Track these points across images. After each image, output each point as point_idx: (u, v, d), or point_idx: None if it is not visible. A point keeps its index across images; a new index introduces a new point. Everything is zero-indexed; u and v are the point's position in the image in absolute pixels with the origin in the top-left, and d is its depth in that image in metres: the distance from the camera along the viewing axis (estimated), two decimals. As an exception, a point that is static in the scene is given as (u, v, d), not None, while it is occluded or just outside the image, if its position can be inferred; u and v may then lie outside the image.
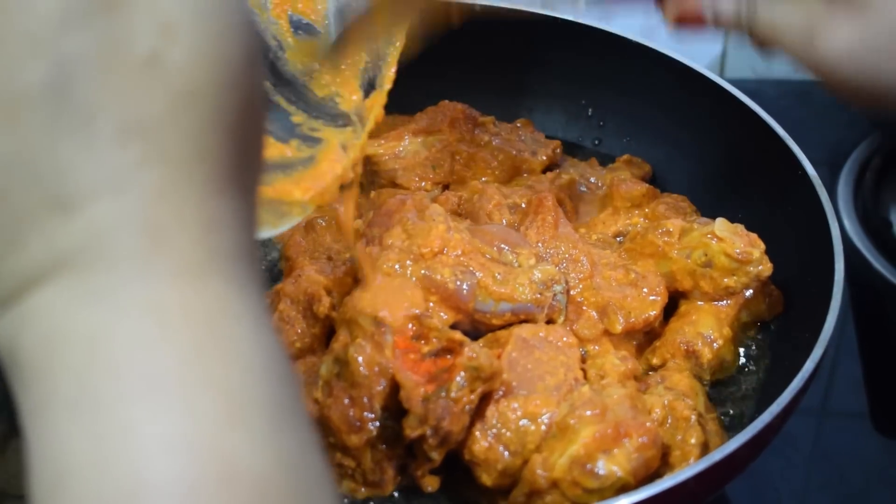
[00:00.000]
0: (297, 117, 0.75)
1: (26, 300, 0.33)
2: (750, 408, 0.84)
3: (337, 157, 0.73)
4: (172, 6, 0.32)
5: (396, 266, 0.80)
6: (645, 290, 0.85)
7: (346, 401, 0.75)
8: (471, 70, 1.10)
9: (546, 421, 0.73)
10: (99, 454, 0.31)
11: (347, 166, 0.73)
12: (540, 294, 0.81)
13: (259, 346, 0.35)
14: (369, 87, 0.78)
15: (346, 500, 0.78)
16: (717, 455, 0.68)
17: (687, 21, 0.76)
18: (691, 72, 1.02)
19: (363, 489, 0.78)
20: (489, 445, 0.74)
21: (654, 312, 0.84)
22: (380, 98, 0.77)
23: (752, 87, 1.00)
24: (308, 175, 0.71)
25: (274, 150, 0.70)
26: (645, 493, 0.65)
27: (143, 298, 0.32)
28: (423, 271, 0.80)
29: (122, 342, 0.32)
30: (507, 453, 0.74)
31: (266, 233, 0.72)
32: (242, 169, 0.35)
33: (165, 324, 0.33)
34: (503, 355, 0.76)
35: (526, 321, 0.81)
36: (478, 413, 0.75)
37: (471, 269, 0.81)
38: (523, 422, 0.74)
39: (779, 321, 0.89)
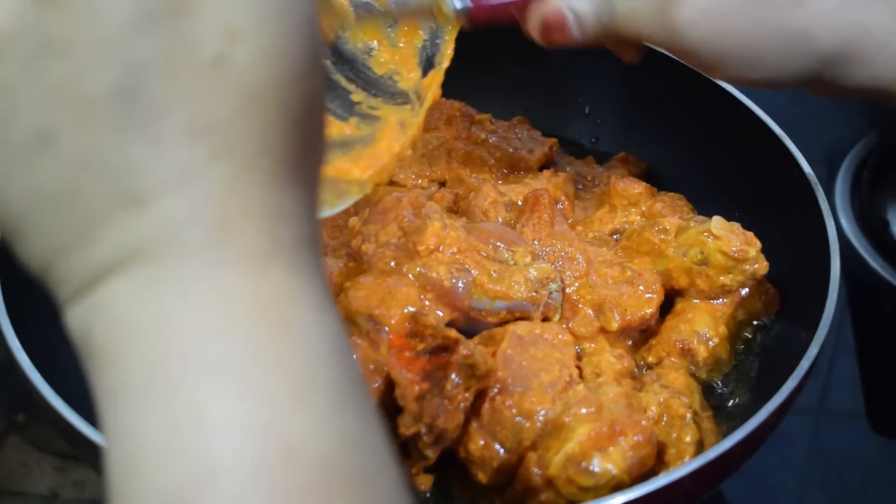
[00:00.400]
0: (357, 95, 0.75)
1: (99, 290, 0.34)
2: (745, 406, 0.84)
3: (395, 135, 0.73)
4: (237, 9, 0.34)
5: (392, 263, 0.80)
6: (641, 287, 0.85)
7: None
8: (467, 67, 1.10)
9: (541, 418, 0.73)
10: (169, 436, 0.33)
11: (406, 144, 0.73)
12: (535, 292, 0.81)
13: (321, 331, 0.36)
14: (427, 65, 0.79)
15: None
16: (711, 453, 0.68)
17: (552, 31, 0.75)
18: (688, 70, 1.02)
19: None
20: (485, 443, 0.74)
21: (650, 310, 0.84)
22: (438, 76, 0.78)
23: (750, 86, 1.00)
24: (367, 153, 0.72)
25: (334, 128, 0.71)
26: (640, 490, 0.65)
27: (210, 287, 0.34)
28: (418, 269, 0.80)
29: (189, 328, 0.34)
30: (502, 451, 0.73)
31: (326, 212, 0.73)
32: (305, 161, 0.37)
33: (231, 310, 0.34)
34: (498, 352, 0.76)
35: (521, 319, 0.81)
36: (473, 411, 0.74)
37: (466, 266, 0.80)
38: (518, 419, 0.73)
39: (775, 319, 0.89)
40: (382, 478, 0.35)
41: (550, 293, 0.82)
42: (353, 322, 0.76)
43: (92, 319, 0.35)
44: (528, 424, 0.74)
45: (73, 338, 0.36)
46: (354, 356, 0.73)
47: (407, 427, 0.73)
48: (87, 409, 0.73)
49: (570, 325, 0.83)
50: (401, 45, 0.78)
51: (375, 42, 0.78)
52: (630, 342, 0.86)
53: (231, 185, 0.34)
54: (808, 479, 0.94)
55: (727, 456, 0.68)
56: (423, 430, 0.72)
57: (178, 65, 0.33)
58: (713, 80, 0.99)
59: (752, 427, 0.69)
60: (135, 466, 0.33)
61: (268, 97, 0.34)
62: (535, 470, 0.72)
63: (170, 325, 0.34)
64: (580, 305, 0.84)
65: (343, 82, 0.75)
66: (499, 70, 1.11)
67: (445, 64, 0.78)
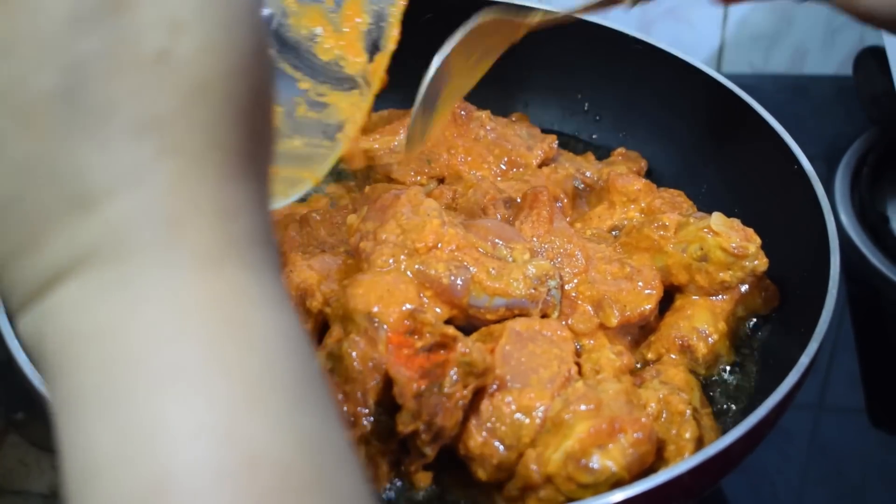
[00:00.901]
0: (304, 83, 0.75)
1: (49, 297, 0.34)
2: (745, 403, 0.84)
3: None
4: (179, 1, 0.33)
5: (391, 261, 0.80)
6: (640, 283, 0.85)
7: (340, 396, 0.75)
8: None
9: (540, 415, 0.73)
10: (125, 447, 0.32)
11: (350, 142, 0.73)
12: (534, 289, 0.80)
13: (278, 330, 0.35)
14: (374, 49, 0.78)
15: None
16: (711, 450, 0.68)
17: None
18: (688, 67, 1.02)
19: None
20: (484, 440, 0.74)
21: (649, 306, 0.84)
22: (384, 59, 0.77)
23: (750, 83, 1.00)
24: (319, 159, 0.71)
25: (285, 144, 0.70)
26: (639, 487, 0.65)
27: (163, 289, 0.33)
28: (417, 266, 0.80)
29: (142, 333, 0.33)
30: (502, 448, 0.73)
31: (279, 203, 0.73)
32: (255, 153, 0.36)
33: (184, 313, 0.33)
34: (497, 348, 0.76)
35: (520, 316, 0.81)
36: (472, 408, 0.74)
37: (465, 264, 0.80)
38: (518, 415, 0.73)
39: (775, 316, 0.89)
40: (344, 477, 0.35)
41: (549, 290, 0.81)
42: (351, 320, 0.76)
43: (43, 327, 0.34)
44: (527, 421, 0.73)
45: (25, 346, 0.35)
46: (313, 354, 0.74)
47: (405, 424, 0.73)
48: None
49: (569, 322, 0.83)
50: (345, 29, 0.77)
51: (320, 28, 0.77)
52: (629, 339, 0.86)
53: (179, 182, 0.33)
54: (809, 475, 0.94)
55: (727, 452, 0.68)
56: (422, 427, 0.72)
57: (121, 61, 0.32)
58: (712, 75, 1.00)
59: (752, 423, 0.69)
60: (92, 477, 0.32)
61: (214, 90, 0.33)
62: (534, 467, 0.72)
63: (122, 332, 0.33)
64: (579, 302, 0.84)
65: (289, 70, 0.75)
66: (497, 67, 1.11)
67: (391, 46, 0.77)
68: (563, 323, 0.82)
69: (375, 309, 0.75)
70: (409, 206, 0.84)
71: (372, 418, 0.75)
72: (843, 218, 1.13)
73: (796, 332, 0.79)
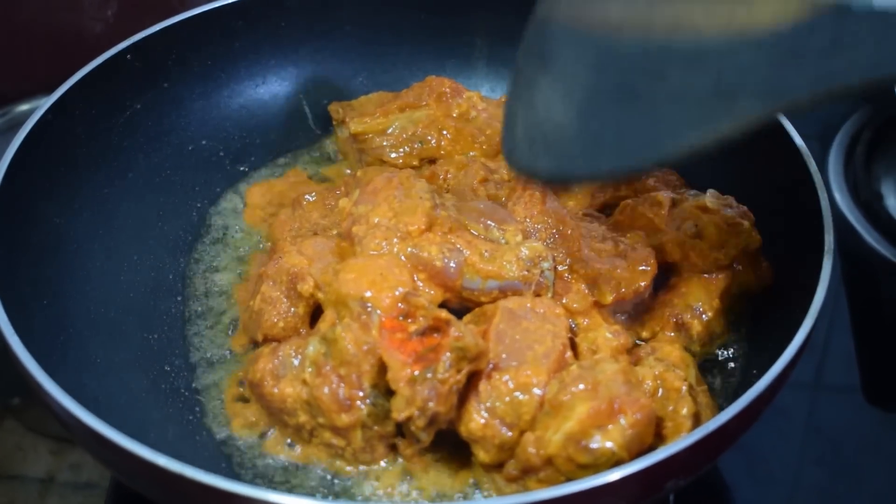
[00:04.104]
0: None
1: None
2: (740, 379, 0.84)
3: None
4: None
5: (384, 244, 0.80)
6: (635, 260, 0.85)
7: (335, 379, 0.75)
8: (456, 46, 1.10)
9: (539, 392, 0.73)
10: None
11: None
12: (527, 271, 0.80)
13: None
14: None
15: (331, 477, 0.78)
16: (709, 426, 0.68)
17: None
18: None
19: (349, 467, 0.78)
20: (485, 421, 0.74)
21: (644, 283, 0.84)
22: None
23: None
24: None
25: None
26: (637, 465, 0.65)
27: None
28: (409, 249, 0.80)
29: None
30: (503, 428, 0.73)
31: None
32: None
33: None
34: (490, 328, 0.76)
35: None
36: (471, 390, 0.74)
37: (458, 246, 0.80)
38: (517, 394, 0.73)
39: (769, 294, 0.89)
40: None
41: (542, 272, 0.81)
42: (343, 305, 0.76)
43: None
44: (525, 398, 0.74)
45: None
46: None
47: (399, 411, 0.73)
48: (81, 394, 0.73)
49: (564, 301, 0.83)
50: None
51: None
52: (625, 318, 0.85)
53: None
54: (806, 454, 0.94)
55: (724, 429, 0.68)
56: (416, 413, 0.73)
57: None
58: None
59: (750, 399, 0.69)
60: None
61: None
62: (532, 450, 0.72)
63: None
64: (573, 281, 0.84)
65: None
66: (488, 49, 1.11)
67: None
68: (559, 302, 0.82)
69: (368, 294, 0.75)
70: (402, 189, 0.84)
71: (369, 400, 0.75)
72: (837, 196, 1.13)
73: (791, 310, 0.79)
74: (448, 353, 0.73)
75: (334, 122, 1.06)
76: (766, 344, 0.84)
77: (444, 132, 1.00)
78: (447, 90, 1.01)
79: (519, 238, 0.83)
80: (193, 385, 0.86)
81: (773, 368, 0.71)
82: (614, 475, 0.65)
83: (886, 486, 0.92)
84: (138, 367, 0.85)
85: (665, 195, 0.90)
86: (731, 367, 0.86)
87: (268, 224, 0.97)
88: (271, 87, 1.08)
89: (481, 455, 0.75)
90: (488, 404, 0.74)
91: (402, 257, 0.79)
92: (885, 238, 1.09)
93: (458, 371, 0.73)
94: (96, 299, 0.88)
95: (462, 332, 0.73)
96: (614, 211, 0.93)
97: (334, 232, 0.88)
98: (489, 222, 0.84)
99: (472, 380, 0.75)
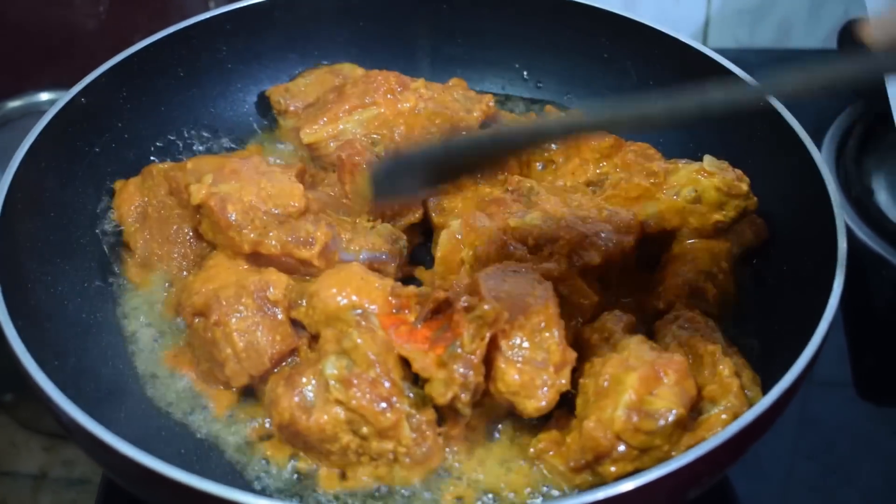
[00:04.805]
0: None
1: None
2: (760, 349, 0.86)
3: None
4: None
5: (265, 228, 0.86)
6: (619, 223, 0.87)
7: (367, 386, 0.75)
8: (408, 39, 1.12)
9: (556, 334, 0.76)
10: None
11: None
12: (392, 244, 0.87)
13: None
14: None
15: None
16: (749, 415, 0.70)
17: None
18: (675, 42, 1.02)
19: (406, 472, 0.78)
20: (520, 370, 0.75)
21: (628, 241, 0.86)
22: None
23: (735, 56, 1.00)
24: None
25: None
26: (684, 460, 0.67)
27: None
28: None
29: None
30: (539, 366, 0.75)
31: None
32: None
33: None
34: (483, 294, 0.77)
35: (380, 270, 0.86)
36: (492, 350, 0.76)
37: (332, 224, 0.87)
38: (536, 337, 0.76)
39: (780, 257, 0.90)
40: None
41: (402, 248, 0.88)
42: (337, 319, 0.78)
43: None
44: (547, 334, 0.76)
45: None
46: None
47: (442, 395, 0.74)
48: (75, 391, 0.73)
49: (546, 265, 0.84)
50: None
51: None
52: (598, 285, 0.87)
53: None
54: (798, 448, 0.94)
55: (767, 414, 0.71)
56: (459, 391, 0.74)
57: None
58: (701, 50, 1.00)
59: (792, 379, 0.73)
60: None
61: None
62: (599, 433, 0.73)
63: None
64: (558, 244, 0.86)
65: None
66: (435, 47, 1.12)
67: None
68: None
69: (356, 299, 0.78)
70: (265, 171, 0.88)
71: (405, 393, 0.76)
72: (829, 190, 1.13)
73: (800, 270, 0.83)
74: (468, 327, 0.75)
75: (275, 112, 1.06)
76: (786, 326, 0.84)
77: (396, 130, 0.99)
78: (393, 83, 1.00)
79: (368, 223, 0.89)
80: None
81: (814, 338, 0.77)
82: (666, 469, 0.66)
83: (878, 480, 0.92)
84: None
85: (660, 164, 0.92)
86: (752, 327, 0.87)
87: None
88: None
89: (529, 406, 0.76)
90: (516, 353, 0.76)
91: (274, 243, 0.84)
92: (876, 233, 1.09)
93: (483, 339, 0.75)
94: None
95: (470, 302, 0.76)
96: (605, 185, 0.94)
97: (177, 212, 0.92)
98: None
99: (491, 341, 0.76)
